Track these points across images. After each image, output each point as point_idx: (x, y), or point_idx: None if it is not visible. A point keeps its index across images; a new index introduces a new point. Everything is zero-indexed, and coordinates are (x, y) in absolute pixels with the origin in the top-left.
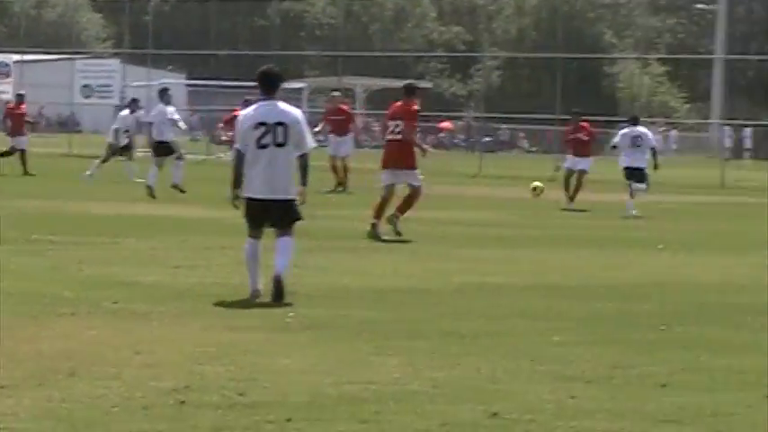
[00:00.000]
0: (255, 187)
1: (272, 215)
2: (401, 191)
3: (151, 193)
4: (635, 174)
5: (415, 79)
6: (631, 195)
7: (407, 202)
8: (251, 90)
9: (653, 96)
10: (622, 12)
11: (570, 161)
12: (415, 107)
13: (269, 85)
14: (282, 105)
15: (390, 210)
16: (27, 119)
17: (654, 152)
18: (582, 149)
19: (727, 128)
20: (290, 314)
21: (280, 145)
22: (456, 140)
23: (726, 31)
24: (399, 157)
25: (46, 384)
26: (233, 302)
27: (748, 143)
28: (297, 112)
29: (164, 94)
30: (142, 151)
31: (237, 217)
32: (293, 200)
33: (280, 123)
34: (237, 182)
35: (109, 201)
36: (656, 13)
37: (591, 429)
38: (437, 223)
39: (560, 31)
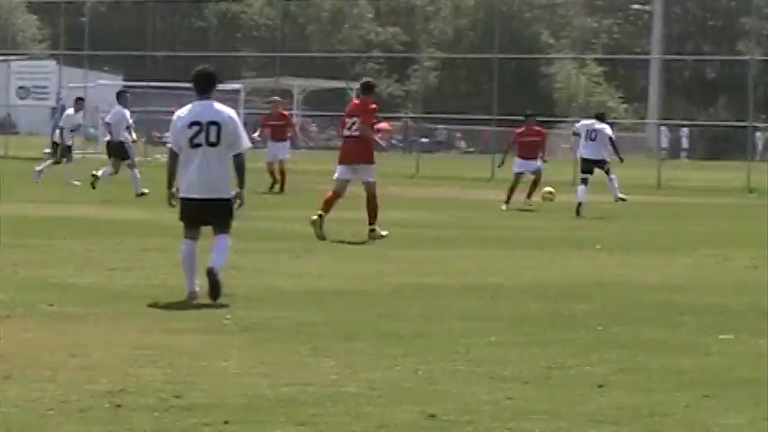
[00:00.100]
0: (190, 187)
1: (207, 215)
2: (350, 194)
3: (94, 183)
4: (590, 165)
5: (351, 80)
6: (583, 187)
7: (371, 208)
8: (188, 91)
9: (590, 96)
10: (559, 12)
11: (518, 164)
12: (373, 105)
13: (204, 86)
14: (216, 105)
15: (335, 208)
16: None
17: (612, 143)
18: (530, 152)
19: (664, 128)
20: (228, 316)
21: (212, 144)
22: (393, 141)
23: (662, 31)
24: (358, 152)
25: None
26: (170, 304)
27: (685, 143)
28: (230, 112)
29: (122, 97)
30: (80, 153)
31: (174, 218)
32: (229, 199)
33: (213, 123)
34: (171, 181)
35: (45, 203)
36: (592, 13)
37: (528, 430)
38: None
39: (497, 31)
